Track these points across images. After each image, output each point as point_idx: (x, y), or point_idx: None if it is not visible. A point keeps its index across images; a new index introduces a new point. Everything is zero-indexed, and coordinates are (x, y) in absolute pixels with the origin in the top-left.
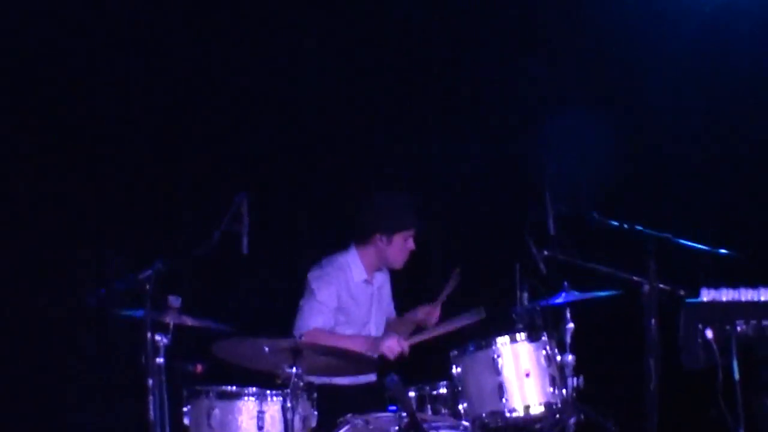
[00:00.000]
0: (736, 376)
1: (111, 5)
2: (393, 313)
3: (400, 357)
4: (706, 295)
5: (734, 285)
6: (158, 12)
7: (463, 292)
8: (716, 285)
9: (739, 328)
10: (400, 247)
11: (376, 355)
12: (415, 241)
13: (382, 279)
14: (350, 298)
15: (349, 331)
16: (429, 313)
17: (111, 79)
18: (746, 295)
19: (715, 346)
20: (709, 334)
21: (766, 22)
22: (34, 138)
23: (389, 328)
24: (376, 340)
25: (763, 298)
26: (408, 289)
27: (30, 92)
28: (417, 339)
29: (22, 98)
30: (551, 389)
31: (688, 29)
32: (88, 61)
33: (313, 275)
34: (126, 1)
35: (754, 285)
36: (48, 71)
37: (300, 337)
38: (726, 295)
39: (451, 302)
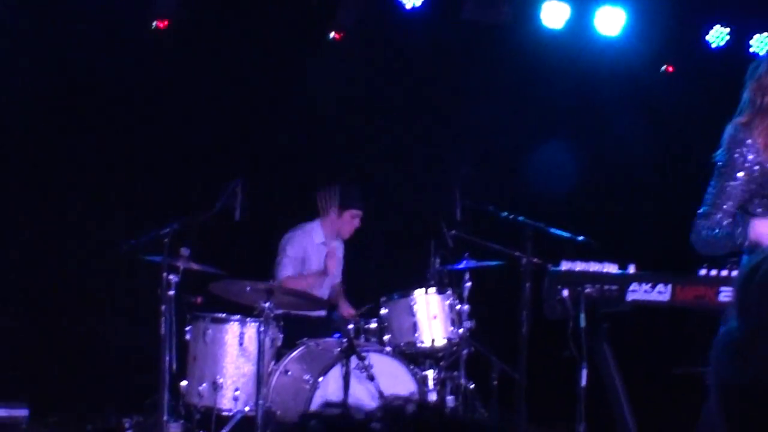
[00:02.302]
0: (582, 325)
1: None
2: (340, 276)
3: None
4: (565, 265)
5: (586, 260)
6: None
7: (395, 257)
8: (573, 259)
9: (587, 290)
10: (348, 221)
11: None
12: (361, 222)
13: (336, 244)
14: (311, 255)
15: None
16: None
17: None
18: (594, 267)
19: (568, 303)
20: (565, 293)
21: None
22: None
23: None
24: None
25: (605, 270)
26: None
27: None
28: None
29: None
30: (452, 328)
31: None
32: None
33: (286, 237)
34: None
35: (600, 261)
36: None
37: (274, 282)
38: (579, 266)
39: (386, 263)
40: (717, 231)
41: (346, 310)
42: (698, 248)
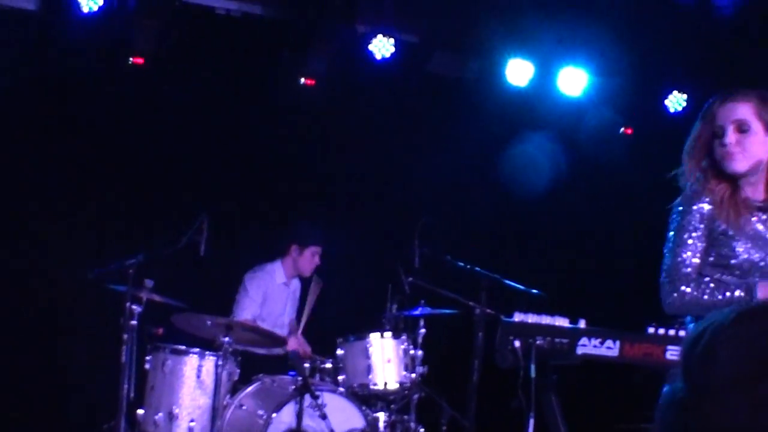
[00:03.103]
0: (533, 375)
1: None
2: (294, 314)
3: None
4: (518, 317)
5: (538, 313)
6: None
7: (351, 301)
8: (525, 311)
9: (538, 342)
10: (308, 259)
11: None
12: (320, 259)
13: (297, 284)
14: (272, 295)
15: (270, 319)
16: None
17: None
18: (545, 320)
19: (520, 353)
20: (517, 344)
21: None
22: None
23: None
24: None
25: (556, 323)
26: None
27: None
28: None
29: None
30: (405, 372)
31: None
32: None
33: (248, 276)
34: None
35: (551, 314)
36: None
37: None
38: (531, 318)
39: (342, 304)
40: (712, 295)
41: (302, 346)
42: (678, 310)
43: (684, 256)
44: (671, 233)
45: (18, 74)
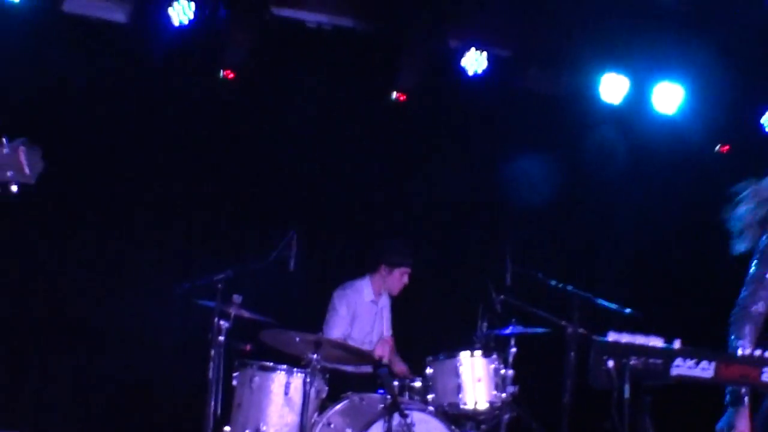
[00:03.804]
0: (626, 396)
1: None
2: (390, 330)
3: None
4: (611, 337)
5: (632, 332)
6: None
7: (442, 319)
8: (619, 331)
9: (632, 362)
10: (397, 278)
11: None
12: (410, 279)
13: (385, 301)
14: (361, 313)
15: (358, 336)
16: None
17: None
18: (639, 339)
19: (613, 373)
20: (610, 364)
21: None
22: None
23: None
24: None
25: (650, 343)
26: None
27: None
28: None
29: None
30: (495, 392)
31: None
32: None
33: (337, 294)
34: None
35: (646, 334)
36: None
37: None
38: (625, 338)
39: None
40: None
41: (399, 366)
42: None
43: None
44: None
45: (107, 86)
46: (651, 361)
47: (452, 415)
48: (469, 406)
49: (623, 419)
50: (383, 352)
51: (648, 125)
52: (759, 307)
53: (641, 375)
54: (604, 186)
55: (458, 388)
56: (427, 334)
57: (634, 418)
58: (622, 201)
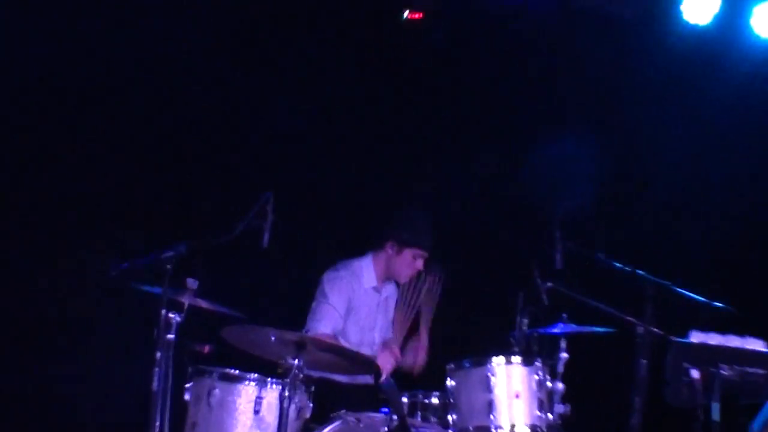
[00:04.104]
0: (716, 418)
1: None
2: (391, 331)
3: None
4: (695, 337)
5: (723, 332)
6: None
7: (468, 312)
8: (706, 330)
9: (723, 372)
10: (407, 262)
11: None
12: (425, 264)
13: (391, 290)
14: (359, 303)
15: (355, 335)
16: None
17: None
18: (733, 341)
19: (698, 387)
20: (695, 374)
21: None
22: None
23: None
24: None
25: (749, 347)
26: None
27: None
28: (400, 337)
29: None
30: (538, 413)
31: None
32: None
33: (327, 277)
34: None
35: (741, 334)
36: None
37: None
38: (714, 339)
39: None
40: None
41: (411, 357)
42: None
43: None
44: None
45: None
46: (750, 370)
47: None
48: (505, 431)
49: None
50: (386, 362)
51: (744, 51)
52: None
53: (737, 389)
54: (688, 141)
55: (489, 406)
56: (449, 335)
57: None
58: (711, 161)
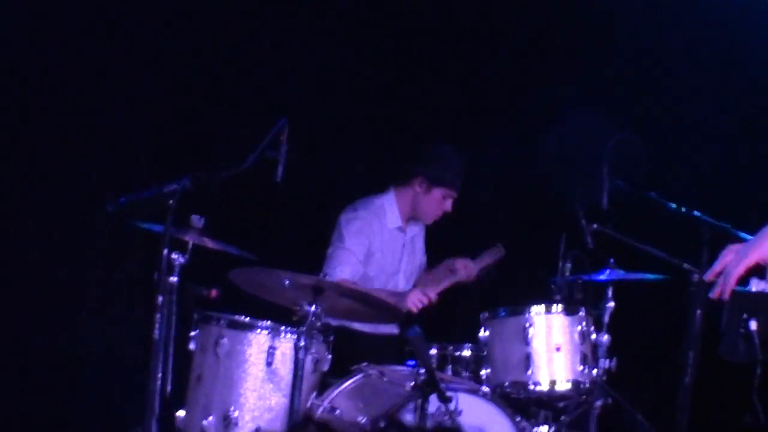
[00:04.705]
0: None
1: None
2: (424, 267)
3: (428, 306)
4: (756, 285)
5: None
6: None
7: (505, 256)
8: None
9: None
10: (436, 201)
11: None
12: (454, 206)
13: (417, 230)
14: (381, 245)
15: (377, 280)
16: (467, 267)
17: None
18: None
19: (757, 340)
20: (753, 325)
21: None
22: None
23: (420, 282)
24: (401, 296)
25: None
26: (444, 248)
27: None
28: (443, 285)
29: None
30: (581, 367)
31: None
32: None
33: (346, 217)
34: None
35: None
36: None
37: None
38: None
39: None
40: None
41: (460, 263)
42: None
43: None
44: None
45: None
46: None
47: (517, 399)
48: (543, 387)
49: None
50: (415, 302)
51: None
52: None
53: None
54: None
55: (527, 360)
56: (482, 279)
57: None
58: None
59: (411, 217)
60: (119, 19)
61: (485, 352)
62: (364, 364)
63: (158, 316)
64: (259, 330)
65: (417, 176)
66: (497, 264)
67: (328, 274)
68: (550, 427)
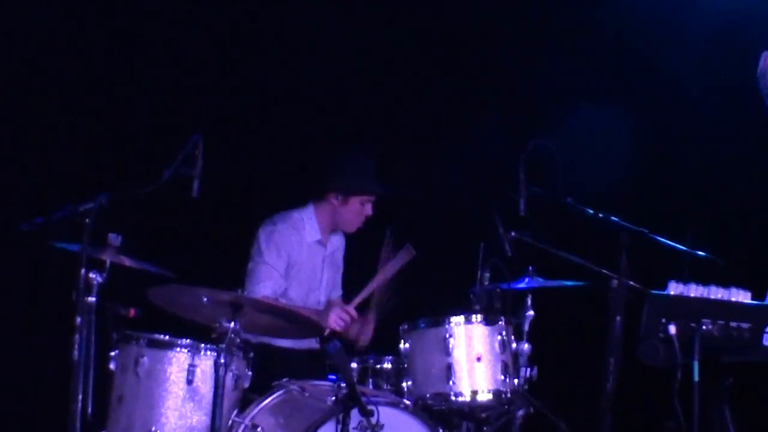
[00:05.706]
0: (696, 377)
1: None
2: (339, 285)
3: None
4: (674, 289)
5: (705, 283)
6: None
7: (423, 266)
8: (685, 281)
9: (704, 327)
10: (356, 210)
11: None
12: (374, 208)
13: (338, 243)
14: (300, 259)
15: (298, 295)
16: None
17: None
18: (716, 293)
19: (677, 344)
20: (672, 329)
21: None
22: None
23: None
24: (321, 314)
25: (733, 299)
26: (361, 257)
27: None
28: (359, 299)
29: None
30: (502, 377)
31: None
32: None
33: (264, 231)
34: None
35: (726, 286)
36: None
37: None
38: (694, 291)
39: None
40: None
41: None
42: None
43: None
44: None
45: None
46: (733, 325)
47: (439, 411)
48: (465, 398)
49: (692, 413)
50: (336, 321)
51: None
52: None
53: (719, 346)
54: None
55: (448, 371)
56: (401, 290)
57: (709, 411)
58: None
59: (333, 230)
60: (29, 38)
61: (406, 365)
62: (285, 379)
63: (77, 337)
64: (178, 348)
65: (331, 191)
66: (407, 265)
67: (250, 291)
68: None
